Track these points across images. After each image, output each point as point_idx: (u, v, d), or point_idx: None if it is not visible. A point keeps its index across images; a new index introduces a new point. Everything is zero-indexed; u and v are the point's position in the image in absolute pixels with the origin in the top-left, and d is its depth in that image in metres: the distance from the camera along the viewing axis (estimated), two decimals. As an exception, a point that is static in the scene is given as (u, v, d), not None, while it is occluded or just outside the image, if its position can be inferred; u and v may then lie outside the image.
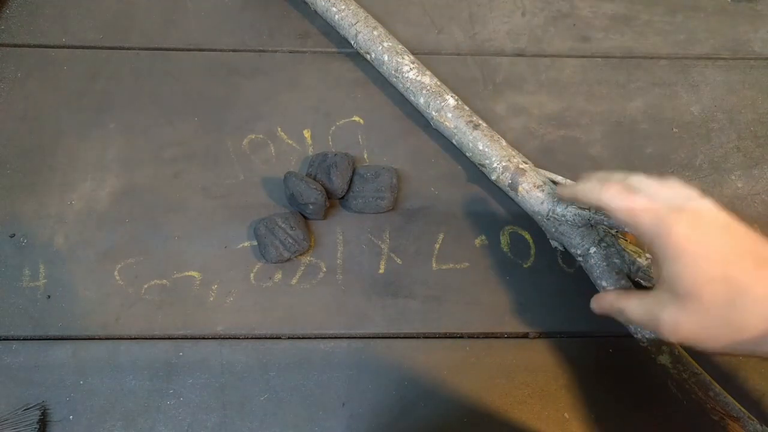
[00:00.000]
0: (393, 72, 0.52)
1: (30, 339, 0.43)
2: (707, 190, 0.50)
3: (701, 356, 0.41)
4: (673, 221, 0.32)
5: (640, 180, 0.35)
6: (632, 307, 0.35)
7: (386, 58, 0.52)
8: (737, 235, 0.31)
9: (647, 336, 0.40)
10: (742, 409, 0.38)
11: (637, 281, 0.43)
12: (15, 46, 0.56)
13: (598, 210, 0.39)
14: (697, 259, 0.31)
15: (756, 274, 0.30)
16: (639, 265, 0.42)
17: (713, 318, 0.30)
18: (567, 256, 0.47)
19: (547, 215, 0.44)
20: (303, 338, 0.44)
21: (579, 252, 0.43)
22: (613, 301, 0.37)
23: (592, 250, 0.42)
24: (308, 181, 0.45)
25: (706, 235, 0.31)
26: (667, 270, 0.32)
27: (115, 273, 0.45)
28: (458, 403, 0.42)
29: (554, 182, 0.48)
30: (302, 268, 0.46)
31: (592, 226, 0.43)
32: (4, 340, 0.43)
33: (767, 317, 0.29)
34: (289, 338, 0.44)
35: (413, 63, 0.51)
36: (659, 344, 0.40)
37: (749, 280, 0.29)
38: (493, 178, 0.47)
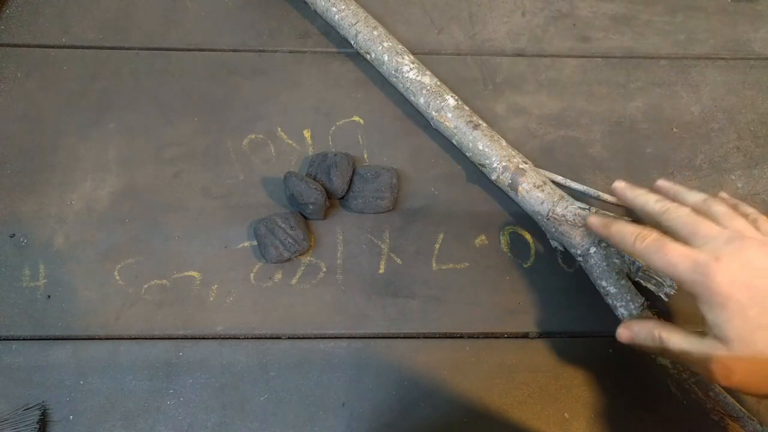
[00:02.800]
0: (393, 72, 0.52)
1: (30, 339, 0.43)
2: (707, 190, 0.50)
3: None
4: (715, 268, 0.31)
5: (676, 217, 0.35)
6: (678, 343, 0.34)
7: (386, 58, 0.52)
8: None
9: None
10: (742, 408, 0.38)
11: (637, 281, 0.43)
12: (15, 46, 0.56)
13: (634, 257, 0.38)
14: (744, 307, 0.30)
15: None
16: (639, 265, 0.42)
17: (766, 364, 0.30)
18: (567, 256, 0.47)
19: (547, 215, 0.44)
20: (303, 338, 0.44)
21: (579, 252, 0.43)
22: (651, 329, 0.35)
23: (592, 250, 0.42)
24: (308, 181, 0.45)
25: (752, 279, 0.30)
26: (713, 317, 0.31)
27: (115, 273, 0.45)
28: (458, 403, 0.42)
29: (554, 182, 0.48)
30: (302, 268, 0.46)
31: (592, 226, 0.43)
32: (4, 340, 0.43)
33: None
34: (289, 338, 0.44)
35: (413, 63, 0.51)
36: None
37: None
38: (493, 178, 0.47)
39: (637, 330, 0.36)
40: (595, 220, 0.39)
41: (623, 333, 0.37)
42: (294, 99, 0.54)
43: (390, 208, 0.48)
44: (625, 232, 0.36)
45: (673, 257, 0.33)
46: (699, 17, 0.60)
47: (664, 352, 0.35)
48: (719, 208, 0.35)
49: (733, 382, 0.31)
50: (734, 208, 0.36)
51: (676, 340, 0.34)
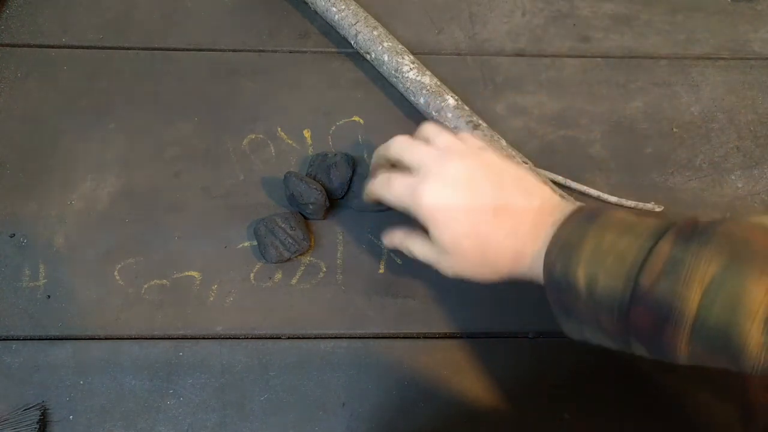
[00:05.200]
0: (393, 72, 0.52)
1: (30, 339, 0.43)
2: (707, 190, 0.50)
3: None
4: (421, 191, 0.36)
5: (394, 149, 0.40)
6: (417, 249, 0.39)
7: (386, 58, 0.52)
8: (477, 190, 0.35)
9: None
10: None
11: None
12: (15, 46, 0.56)
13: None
14: (447, 223, 0.35)
15: (495, 222, 0.35)
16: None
17: (475, 262, 0.36)
18: (567, 256, 0.47)
19: (547, 215, 0.44)
20: (303, 338, 0.44)
21: (579, 252, 0.43)
22: (402, 239, 0.41)
23: (592, 250, 0.42)
24: (308, 181, 0.45)
25: (450, 198, 0.35)
26: (431, 233, 0.37)
27: (115, 273, 0.45)
28: (458, 403, 0.42)
29: (554, 182, 0.48)
30: (302, 268, 0.46)
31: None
32: (4, 340, 0.43)
33: (510, 254, 0.35)
34: (289, 338, 0.44)
35: (413, 63, 0.51)
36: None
37: (490, 229, 0.35)
38: (493, 178, 0.47)
39: (391, 238, 0.42)
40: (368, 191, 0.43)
41: (385, 242, 0.43)
42: (294, 99, 0.54)
43: (391, 208, 0.47)
44: (369, 184, 0.41)
45: (395, 188, 0.38)
46: (699, 17, 0.60)
47: (414, 258, 0.40)
48: (428, 129, 0.40)
49: (458, 275, 0.37)
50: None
51: (415, 247, 0.39)
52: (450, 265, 0.37)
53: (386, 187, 0.38)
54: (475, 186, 0.36)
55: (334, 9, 0.54)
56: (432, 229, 0.36)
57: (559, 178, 0.48)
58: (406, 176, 0.38)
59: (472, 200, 0.35)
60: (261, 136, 0.52)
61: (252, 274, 0.46)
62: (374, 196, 0.41)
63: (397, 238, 0.41)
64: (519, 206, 0.35)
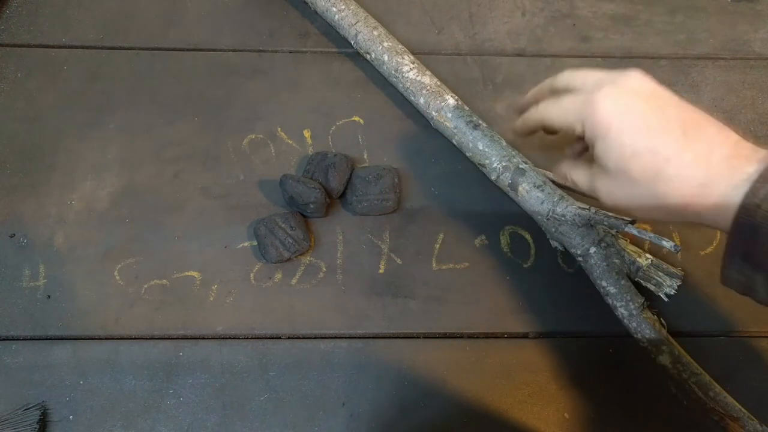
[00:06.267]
0: (393, 72, 0.52)
1: (30, 339, 0.43)
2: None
3: (701, 355, 0.41)
4: (597, 99, 0.32)
5: (563, 77, 0.37)
6: (577, 176, 0.37)
7: (386, 58, 0.52)
8: (664, 103, 0.31)
9: (647, 336, 0.40)
10: (742, 409, 0.38)
11: (637, 281, 0.43)
12: (15, 46, 0.56)
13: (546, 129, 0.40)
14: (621, 134, 0.31)
15: (683, 141, 0.30)
16: (639, 265, 0.42)
17: (642, 190, 0.31)
18: (567, 256, 0.47)
19: (547, 215, 0.44)
20: (303, 338, 0.44)
21: (579, 252, 0.43)
22: (568, 167, 0.38)
23: (592, 250, 0.42)
24: (305, 181, 0.45)
25: (631, 107, 0.31)
26: (597, 148, 0.32)
27: (115, 273, 0.45)
28: (458, 403, 0.42)
29: (553, 182, 0.48)
30: (302, 268, 0.46)
31: (592, 226, 0.43)
32: (4, 340, 0.43)
33: (693, 184, 0.29)
34: (289, 338, 0.44)
35: (413, 63, 0.51)
36: (659, 344, 0.40)
37: (676, 148, 0.30)
38: (493, 178, 0.47)
39: (558, 169, 0.40)
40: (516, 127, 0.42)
41: (556, 172, 0.41)
42: (294, 99, 0.54)
43: (395, 209, 0.48)
44: (531, 111, 0.39)
45: (564, 102, 0.35)
46: (699, 17, 0.60)
47: (577, 189, 0.38)
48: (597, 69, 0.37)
49: (615, 204, 0.33)
50: None
51: (575, 174, 0.37)
52: (609, 190, 0.32)
53: (552, 105, 0.35)
54: (660, 98, 0.31)
55: (334, 9, 0.54)
56: (601, 142, 0.32)
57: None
58: (578, 93, 0.34)
59: (656, 111, 0.30)
60: (261, 136, 0.52)
61: (252, 274, 0.46)
62: (534, 120, 0.38)
63: (564, 167, 0.39)
64: (716, 130, 0.30)
